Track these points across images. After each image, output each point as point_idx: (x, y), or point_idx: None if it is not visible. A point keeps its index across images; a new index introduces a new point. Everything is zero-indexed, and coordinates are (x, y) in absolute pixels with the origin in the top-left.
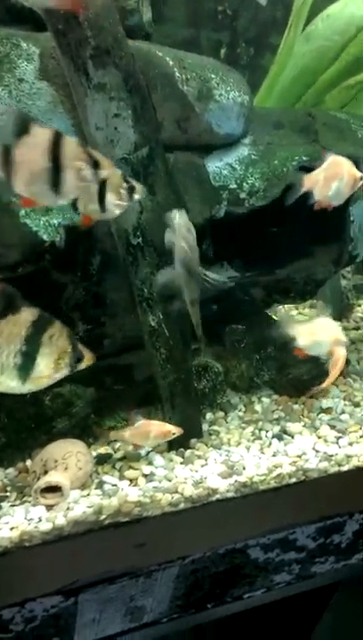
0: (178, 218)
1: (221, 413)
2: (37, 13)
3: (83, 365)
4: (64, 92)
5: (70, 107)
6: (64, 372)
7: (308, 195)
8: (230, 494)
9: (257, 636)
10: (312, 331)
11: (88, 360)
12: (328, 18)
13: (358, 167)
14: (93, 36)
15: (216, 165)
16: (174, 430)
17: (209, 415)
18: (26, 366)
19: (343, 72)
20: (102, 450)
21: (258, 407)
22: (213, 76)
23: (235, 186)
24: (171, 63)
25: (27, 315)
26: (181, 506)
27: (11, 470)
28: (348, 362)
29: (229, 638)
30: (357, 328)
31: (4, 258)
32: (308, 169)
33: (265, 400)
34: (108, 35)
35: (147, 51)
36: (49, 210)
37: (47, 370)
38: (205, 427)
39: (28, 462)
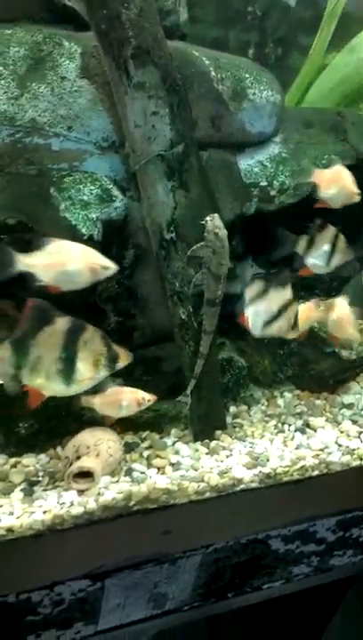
0: (209, 222)
1: (244, 407)
2: (80, 13)
3: (120, 364)
4: (104, 90)
5: (110, 105)
6: (104, 372)
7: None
8: (254, 485)
9: (273, 628)
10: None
11: (124, 359)
12: None
13: None
14: (135, 36)
15: (248, 163)
16: (148, 397)
17: (233, 408)
18: (68, 371)
19: None
20: (129, 439)
21: (280, 402)
22: (247, 75)
23: (265, 183)
24: (207, 62)
25: (61, 324)
26: (207, 495)
27: (42, 456)
28: None
29: (245, 628)
30: None
31: None
32: None
33: (287, 395)
34: (148, 35)
35: (184, 50)
36: (88, 204)
37: (88, 372)
38: (228, 419)
39: (59, 449)
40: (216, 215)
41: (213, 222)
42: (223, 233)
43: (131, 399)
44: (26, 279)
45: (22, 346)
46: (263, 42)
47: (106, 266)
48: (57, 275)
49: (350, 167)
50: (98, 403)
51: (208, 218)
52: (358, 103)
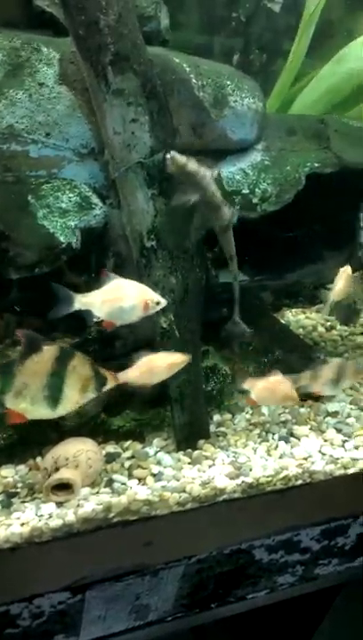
0: (168, 160)
1: (228, 415)
2: (58, 19)
3: (108, 387)
4: (83, 96)
5: (89, 111)
6: (91, 395)
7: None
8: (237, 495)
9: (259, 638)
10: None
11: (111, 382)
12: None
13: None
14: (113, 43)
15: (229, 170)
16: (181, 359)
17: (216, 417)
18: (55, 396)
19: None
20: (111, 449)
21: (265, 410)
22: (228, 82)
23: (247, 191)
24: (188, 69)
25: (50, 352)
26: (189, 505)
27: (21, 467)
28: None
29: (232, 638)
30: None
31: (22, 258)
32: (319, 175)
33: None
34: (127, 41)
35: (164, 57)
36: (66, 211)
37: (75, 397)
38: (212, 428)
39: (39, 459)
40: (174, 153)
41: (176, 161)
42: (193, 165)
43: (163, 366)
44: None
45: (9, 372)
46: (248, 48)
47: (158, 301)
48: (112, 311)
49: (332, 175)
50: (134, 376)
51: (167, 161)
52: (346, 113)
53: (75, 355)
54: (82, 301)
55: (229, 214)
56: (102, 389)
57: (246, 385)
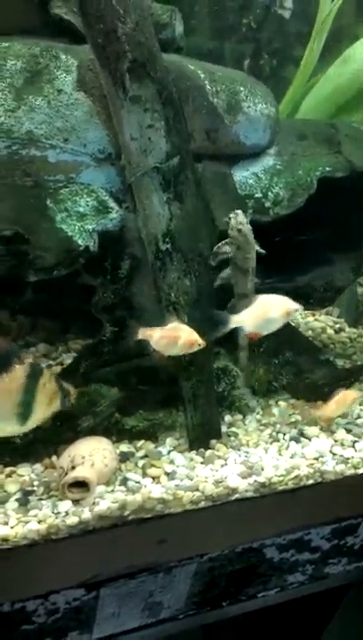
0: (232, 219)
1: (239, 416)
2: (76, 26)
3: (72, 398)
4: (100, 103)
5: (106, 117)
6: (56, 408)
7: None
8: (249, 494)
9: (268, 636)
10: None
11: (73, 393)
12: None
13: None
14: (131, 50)
15: (243, 175)
16: (201, 342)
17: (228, 417)
18: (24, 413)
19: None
20: (125, 448)
21: (275, 410)
22: (241, 88)
23: (260, 195)
24: (202, 76)
25: (20, 370)
26: (202, 504)
27: (37, 466)
28: None
29: (241, 636)
30: None
31: (40, 260)
32: (330, 179)
33: (282, 404)
34: (144, 49)
35: (179, 64)
36: (84, 215)
37: (42, 412)
38: (223, 428)
39: (54, 458)
40: (239, 211)
41: (236, 219)
42: (247, 228)
43: (186, 339)
44: None
45: None
46: (258, 54)
47: (296, 309)
48: (260, 323)
49: (343, 179)
50: (155, 337)
51: (231, 215)
52: (352, 114)
53: (43, 371)
54: (236, 320)
55: (251, 286)
56: (66, 401)
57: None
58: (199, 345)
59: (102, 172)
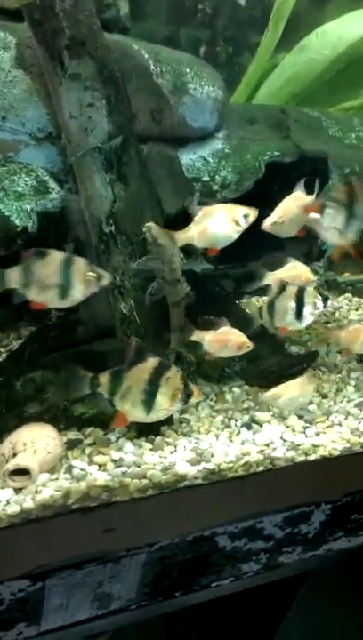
0: (147, 234)
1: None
2: None
3: (193, 400)
4: (39, 80)
5: (45, 95)
6: (179, 405)
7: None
8: (198, 481)
9: (228, 624)
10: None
11: (196, 396)
12: (323, 33)
13: (326, 163)
14: (69, 27)
15: (190, 158)
16: (249, 344)
17: None
18: (149, 402)
19: (330, 84)
20: (72, 435)
21: (229, 397)
22: (187, 70)
23: (208, 178)
24: (146, 56)
25: (150, 363)
26: (150, 492)
27: None
28: (317, 354)
29: (202, 625)
30: (327, 322)
31: None
32: (279, 164)
33: (236, 390)
34: (83, 26)
35: (123, 43)
36: (22, 195)
37: (165, 404)
38: (175, 415)
39: None
40: (152, 224)
41: (151, 232)
42: (165, 241)
43: (236, 342)
44: None
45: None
46: (214, 40)
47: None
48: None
49: (292, 163)
50: (207, 339)
51: (144, 229)
52: (306, 102)
53: (170, 367)
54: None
55: (182, 292)
56: (188, 401)
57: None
58: (248, 347)
59: (42, 152)
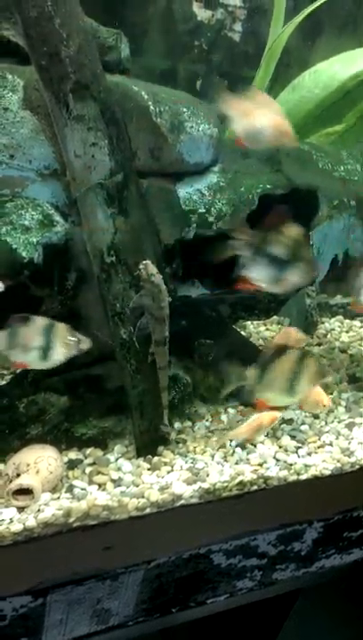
0: (142, 271)
1: (188, 423)
2: (23, 48)
3: (328, 379)
4: (46, 121)
5: (51, 135)
6: (311, 386)
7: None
8: (194, 500)
9: (228, 638)
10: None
11: (328, 377)
12: (315, 73)
13: (316, 196)
14: (74, 72)
15: (186, 191)
16: (278, 415)
17: (177, 424)
18: (293, 388)
19: (318, 120)
20: (73, 455)
21: (224, 417)
22: (184, 109)
23: (204, 210)
24: (146, 97)
25: (293, 354)
26: (147, 510)
27: None
28: None
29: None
30: (319, 344)
31: None
32: (271, 197)
33: (231, 411)
34: (87, 70)
35: (124, 85)
36: (29, 228)
37: (304, 389)
38: (172, 435)
39: (1, 466)
40: (148, 262)
41: (146, 270)
42: (158, 279)
43: (269, 421)
44: None
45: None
46: (209, 74)
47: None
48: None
49: (283, 196)
50: (245, 431)
51: (141, 266)
52: (305, 137)
53: (308, 356)
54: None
55: (167, 332)
56: (320, 381)
57: None
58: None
59: (48, 187)
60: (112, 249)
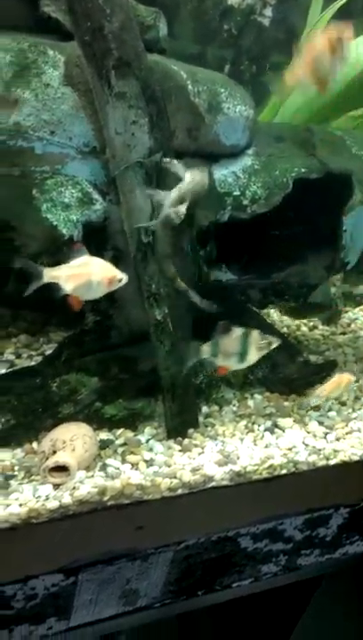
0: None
1: (215, 407)
2: (63, 24)
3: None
4: (86, 97)
5: (91, 112)
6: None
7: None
8: (225, 482)
9: (243, 626)
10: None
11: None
12: None
13: (350, 181)
14: (116, 48)
15: (222, 173)
16: (353, 378)
17: (205, 409)
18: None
19: (347, 100)
20: (104, 435)
21: (250, 403)
22: (222, 90)
23: (238, 193)
24: (184, 76)
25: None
26: (179, 491)
27: (18, 451)
28: (336, 363)
29: (215, 626)
30: (343, 333)
31: (26, 248)
32: (305, 180)
33: (257, 397)
34: (129, 48)
35: (163, 64)
36: (69, 206)
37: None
38: (200, 419)
39: (35, 444)
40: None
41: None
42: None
43: (348, 380)
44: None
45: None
46: (238, 59)
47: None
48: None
49: (318, 180)
50: (327, 389)
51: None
52: (324, 121)
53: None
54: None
55: (179, 219)
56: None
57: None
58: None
59: (87, 165)
60: (149, 229)
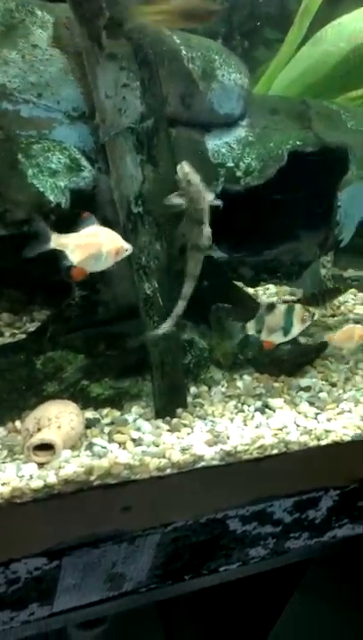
0: (179, 170)
1: (204, 388)
2: None
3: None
4: (75, 60)
5: (81, 75)
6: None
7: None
8: (215, 462)
9: (225, 613)
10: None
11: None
12: (339, 25)
13: (347, 155)
14: (108, 8)
15: (215, 143)
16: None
17: (193, 389)
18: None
19: (345, 78)
20: (90, 415)
21: (240, 384)
22: (216, 57)
23: (232, 164)
24: (178, 41)
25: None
26: (168, 471)
27: (0, 429)
28: (326, 344)
29: (197, 612)
30: (333, 315)
31: (11, 214)
32: (300, 153)
33: (247, 377)
34: (121, 8)
35: (155, 28)
36: (56, 172)
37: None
38: (189, 399)
39: (18, 423)
40: (185, 162)
41: (183, 169)
42: (195, 178)
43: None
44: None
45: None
46: (231, 34)
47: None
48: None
49: (313, 154)
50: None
51: (178, 167)
52: (320, 95)
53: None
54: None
55: (207, 237)
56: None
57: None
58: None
59: (75, 130)
60: (140, 198)
